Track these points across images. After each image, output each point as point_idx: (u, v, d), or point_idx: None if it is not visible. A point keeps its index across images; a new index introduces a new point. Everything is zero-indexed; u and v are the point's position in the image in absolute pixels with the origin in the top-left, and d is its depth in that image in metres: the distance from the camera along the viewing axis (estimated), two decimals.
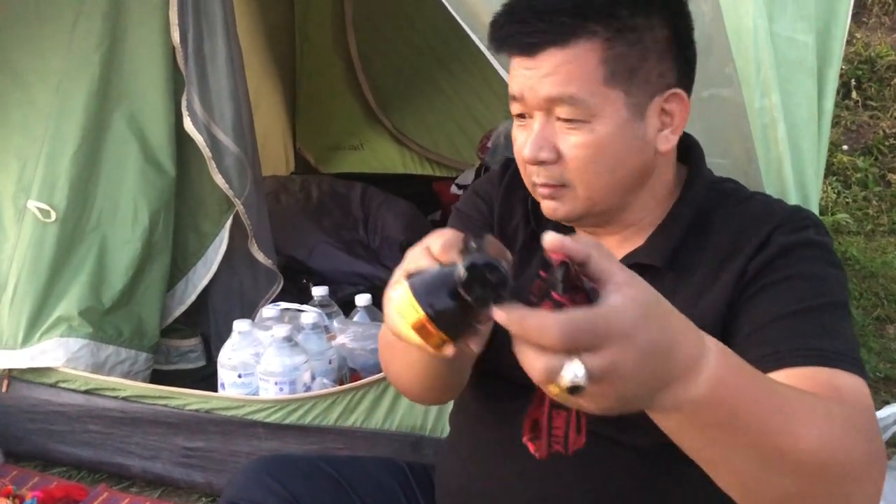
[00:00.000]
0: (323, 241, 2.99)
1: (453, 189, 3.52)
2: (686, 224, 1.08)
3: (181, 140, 2.22)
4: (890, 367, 2.53)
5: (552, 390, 0.64)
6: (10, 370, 2.07)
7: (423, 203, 3.46)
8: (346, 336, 2.02)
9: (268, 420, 1.88)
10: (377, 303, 1.96)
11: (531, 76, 1.01)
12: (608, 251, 0.69)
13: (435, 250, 0.81)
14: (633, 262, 1.07)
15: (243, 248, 2.34)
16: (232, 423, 1.91)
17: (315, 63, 3.90)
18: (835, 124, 4.43)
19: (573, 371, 0.60)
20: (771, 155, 1.42)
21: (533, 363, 0.64)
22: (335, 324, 2.09)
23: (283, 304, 2.10)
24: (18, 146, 2.17)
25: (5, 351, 2.07)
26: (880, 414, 1.81)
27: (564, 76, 0.99)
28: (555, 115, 1.02)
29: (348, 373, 2.01)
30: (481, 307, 0.69)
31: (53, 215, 2.11)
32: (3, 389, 2.07)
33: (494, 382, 1.12)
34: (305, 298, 2.23)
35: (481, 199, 1.24)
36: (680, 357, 0.69)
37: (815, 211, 1.47)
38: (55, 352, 2.05)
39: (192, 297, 2.33)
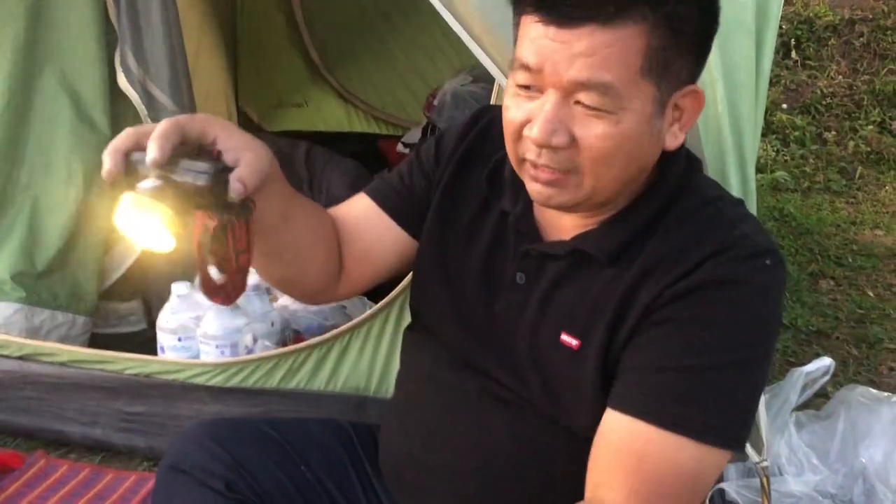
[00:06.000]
0: None
1: (399, 147, 3.49)
2: (644, 221, 0.99)
3: (116, 98, 2.14)
4: (822, 321, 2.61)
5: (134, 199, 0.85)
6: None
7: (369, 161, 3.42)
8: (288, 298, 2.00)
9: (209, 383, 1.86)
10: None
11: (559, 50, 0.88)
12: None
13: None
14: (575, 247, 1.00)
15: None
16: (173, 387, 1.89)
17: (257, 19, 3.80)
18: (775, 83, 4.50)
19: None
20: (709, 115, 1.43)
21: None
22: None
23: None
24: None
25: None
26: (811, 367, 1.86)
27: (601, 60, 0.87)
28: (575, 97, 0.90)
29: (291, 335, 2.00)
30: None
31: None
32: None
33: (421, 339, 1.18)
34: None
35: (438, 150, 1.17)
36: None
37: (752, 169, 1.49)
38: None
39: (131, 261, 2.26)
